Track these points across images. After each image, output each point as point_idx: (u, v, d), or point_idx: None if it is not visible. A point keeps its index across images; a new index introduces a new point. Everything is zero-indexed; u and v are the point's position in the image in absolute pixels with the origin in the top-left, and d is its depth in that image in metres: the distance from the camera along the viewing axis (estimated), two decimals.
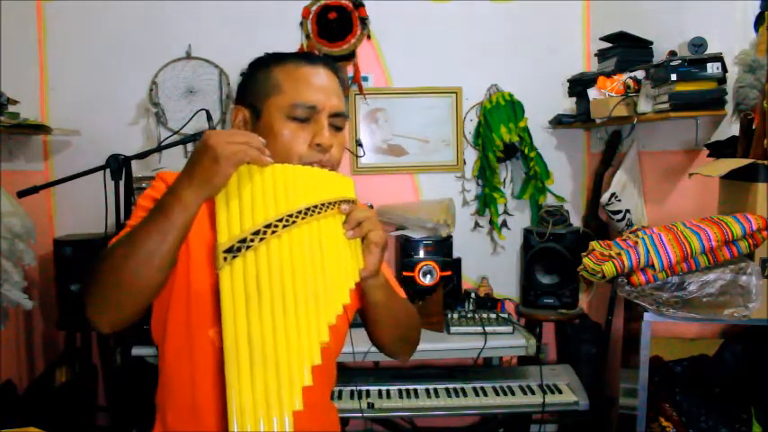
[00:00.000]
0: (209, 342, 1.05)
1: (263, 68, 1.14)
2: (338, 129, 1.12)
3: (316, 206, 1.01)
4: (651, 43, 2.64)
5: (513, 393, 2.48)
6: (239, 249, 0.93)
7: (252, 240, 0.94)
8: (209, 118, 2.14)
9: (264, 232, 0.95)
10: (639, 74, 2.51)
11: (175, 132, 2.65)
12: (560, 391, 2.50)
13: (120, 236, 1.02)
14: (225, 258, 0.93)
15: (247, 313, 0.92)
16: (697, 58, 2.25)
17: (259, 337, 0.92)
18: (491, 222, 3.19)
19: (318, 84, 1.11)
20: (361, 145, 3.11)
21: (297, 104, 1.08)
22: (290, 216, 0.98)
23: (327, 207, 1.04)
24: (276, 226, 0.96)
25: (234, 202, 0.96)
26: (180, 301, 1.07)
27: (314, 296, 0.97)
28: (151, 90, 3.02)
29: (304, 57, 1.15)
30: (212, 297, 1.03)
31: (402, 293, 1.25)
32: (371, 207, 1.09)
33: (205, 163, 0.92)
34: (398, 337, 1.22)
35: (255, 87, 1.13)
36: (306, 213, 0.99)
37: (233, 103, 1.20)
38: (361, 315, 1.21)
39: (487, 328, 2.59)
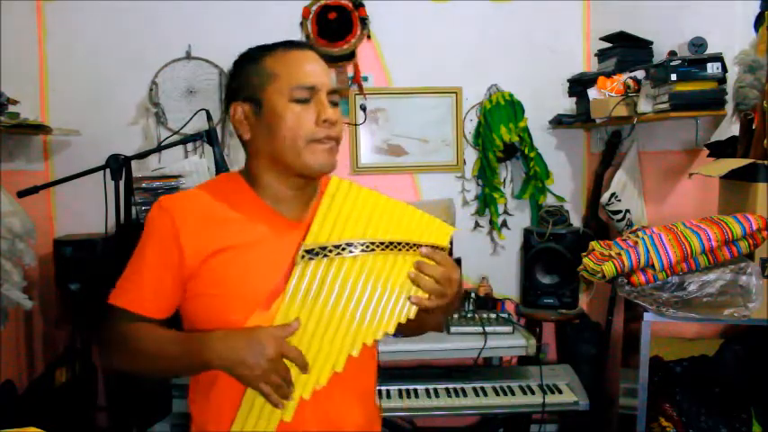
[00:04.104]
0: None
1: (252, 62, 1.17)
2: (335, 104, 1.17)
3: (399, 243, 1.09)
4: (651, 43, 2.64)
5: (513, 393, 2.48)
6: (317, 254, 1.05)
7: (330, 251, 1.06)
8: (210, 118, 2.13)
9: (344, 249, 1.06)
10: (639, 74, 2.51)
11: (175, 132, 2.65)
12: (560, 391, 2.50)
13: (122, 280, 1.16)
14: (303, 256, 1.05)
15: (300, 308, 1.05)
16: (697, 58, 2.25)
17: (300, 331, 1.04)
18: (491, 222, 3.19)
19: (311, 65, 1.16)
20: (364, 110, 3.10)
21: (297, 87, 1.13)
22: (372, 243, 1.08)
23: (412, 247, 1.11)
24: (356, 247, 1.07)
25: (333, 213, 1.08)
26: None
27: (361, 317, 1.07)
28: (151, 90, 3.02)
29: (288, 43, 1.19)
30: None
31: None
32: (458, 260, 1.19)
33: (247, 361, 1.01)
34: (416, 331, 1.29)
35: (250, 80, 1.16)
36: (387, 247, 1.08)
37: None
38: None
39: (487, 328, 2.59)
